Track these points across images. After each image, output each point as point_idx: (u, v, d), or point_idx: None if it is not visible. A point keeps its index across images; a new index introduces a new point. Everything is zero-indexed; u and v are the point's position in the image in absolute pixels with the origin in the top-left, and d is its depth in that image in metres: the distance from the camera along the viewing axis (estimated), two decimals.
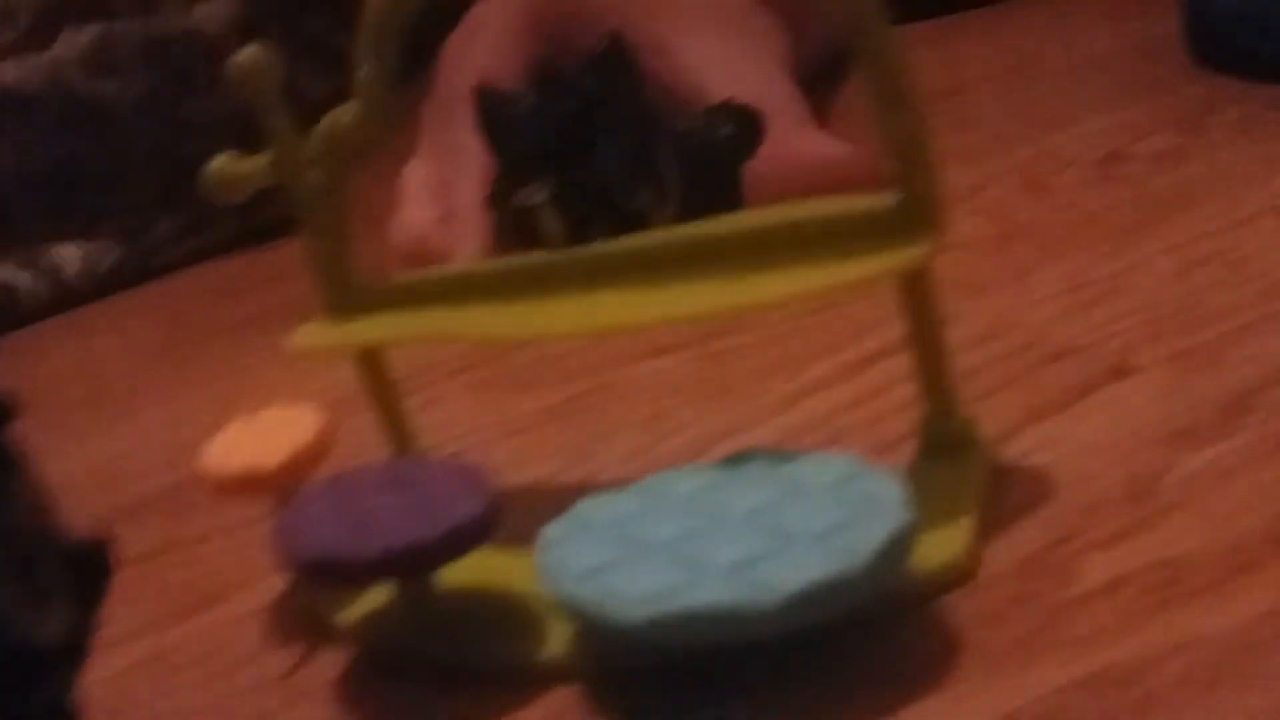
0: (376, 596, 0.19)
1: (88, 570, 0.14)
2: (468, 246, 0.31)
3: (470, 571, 0.19)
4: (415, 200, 0.34)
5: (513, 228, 0.32)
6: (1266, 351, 0.22)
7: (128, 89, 0.52)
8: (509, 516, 0.22)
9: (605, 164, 0.31)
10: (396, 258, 0.33)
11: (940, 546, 0.18)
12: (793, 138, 0.31)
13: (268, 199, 0.24)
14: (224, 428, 0.21)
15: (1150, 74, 0.39)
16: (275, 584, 0.22)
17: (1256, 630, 0.16)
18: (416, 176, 0.35)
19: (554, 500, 0.21)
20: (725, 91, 0.32)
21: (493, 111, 0.33)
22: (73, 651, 0.14)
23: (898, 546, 0.16)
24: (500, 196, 0.33)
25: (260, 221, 0.45)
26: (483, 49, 0.35)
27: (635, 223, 0.31)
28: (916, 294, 0.20)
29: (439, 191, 0.34)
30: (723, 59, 0.34)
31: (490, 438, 0.27)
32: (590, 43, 0.36)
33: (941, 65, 0.47)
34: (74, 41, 0.52)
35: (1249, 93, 0.35)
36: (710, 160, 0.32)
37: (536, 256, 0.23)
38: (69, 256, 0.49)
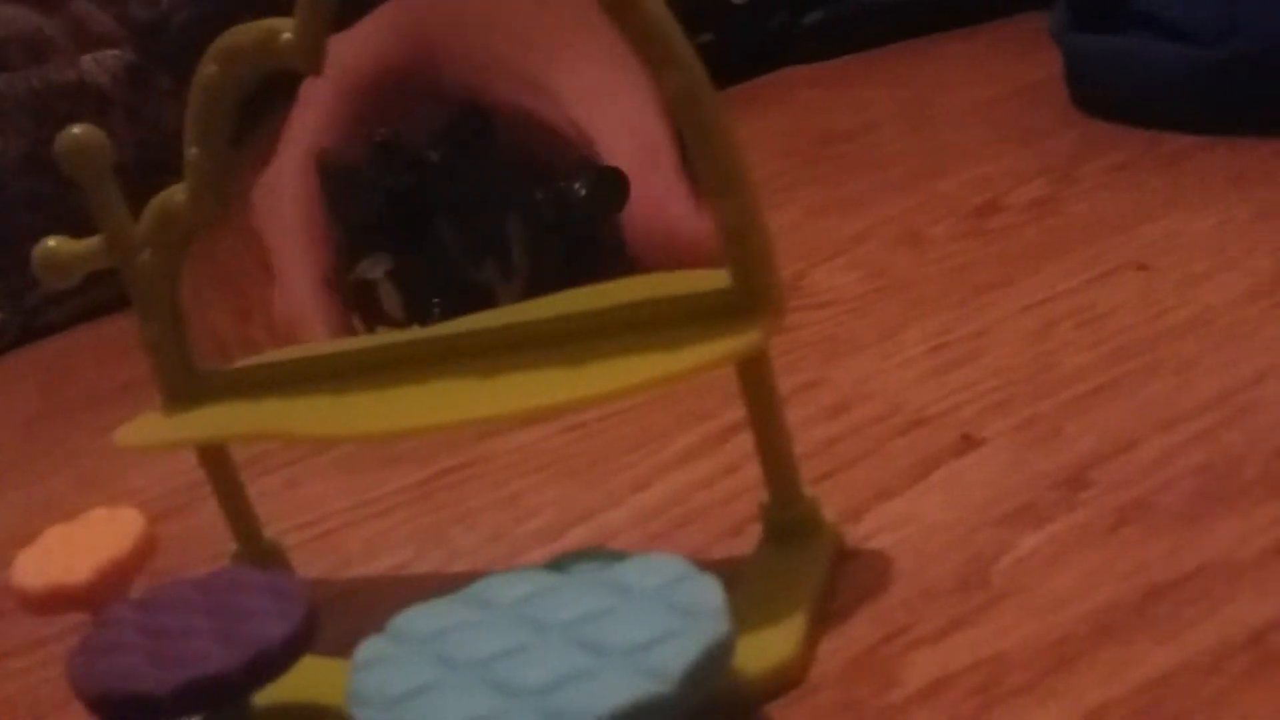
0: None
1: None
2: (310, 329, 0.30)
3: (296, 686, 0.18)
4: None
5: (354, 301, 0.31)
6: (1107, 421, 0.22)
7: (11, 144, 0.51)
8: (356, 612, 0.22)
9: (447, 238, 0.30)
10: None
11: (769, 649, 0.18)
12: (662, 199, 0.31)
13: None
14: (39, 536, 0.20)
15: (1035, 117, 0.40)
16: None
17: None
18: None
19: (404, 593, 0.20)
20: (602, 128, 0.32)
21: (333, 181, 0.32)
22: None
23: (713, 662, 0.16)
24: (341, 269, 0.32)
25: None
26: (316, 114, 0.34)
27: (480, 297, 0.30)
28: (753, 377, 0.20)
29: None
30: (601, 95, 0.33)
31: (348, 521, 0.26)
32: (447, 96, 0.35)
33: (847, 107, 0.48)
34: None
35: (1123, 138, 0.35)
36: (563, 226, 0.31)
37: (371, 340, 0.23)
38: None
